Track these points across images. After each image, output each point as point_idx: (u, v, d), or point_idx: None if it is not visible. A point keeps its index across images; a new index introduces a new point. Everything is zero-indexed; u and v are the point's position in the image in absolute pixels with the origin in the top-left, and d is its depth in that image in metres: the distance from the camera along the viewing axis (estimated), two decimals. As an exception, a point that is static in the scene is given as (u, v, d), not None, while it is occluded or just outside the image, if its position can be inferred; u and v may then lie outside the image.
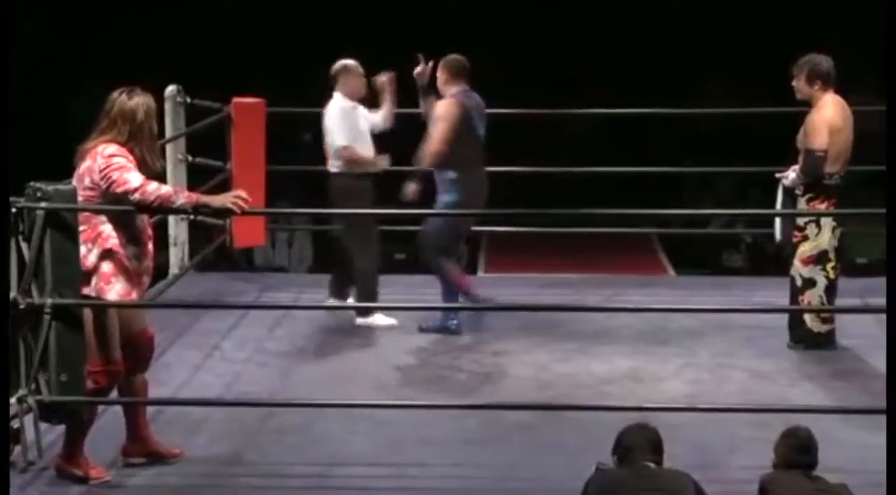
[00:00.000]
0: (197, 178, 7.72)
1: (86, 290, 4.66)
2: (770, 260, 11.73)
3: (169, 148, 7.48)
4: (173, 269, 7.75)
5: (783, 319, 6.65)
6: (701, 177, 11.99)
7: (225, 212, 4.90)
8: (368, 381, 5.98)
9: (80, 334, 4.64)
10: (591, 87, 12.58)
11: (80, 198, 4.65)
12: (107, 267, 4.65)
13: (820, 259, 6.29)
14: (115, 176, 4.58)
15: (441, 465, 4.97)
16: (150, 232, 4.80)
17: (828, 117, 6.22)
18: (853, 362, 6.22)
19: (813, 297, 6.31)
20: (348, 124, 6.81)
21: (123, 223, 4.67)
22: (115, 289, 4.66)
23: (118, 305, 4.69)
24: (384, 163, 6.91)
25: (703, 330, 6.68)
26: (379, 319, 6.85)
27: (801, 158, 6.31)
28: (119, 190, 4.59)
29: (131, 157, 4.65)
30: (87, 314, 4.67)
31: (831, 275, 6.31)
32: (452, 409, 5.45)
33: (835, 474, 4.15)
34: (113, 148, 4.64)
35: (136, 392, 4.89)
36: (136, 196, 4.58)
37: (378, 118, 6.96)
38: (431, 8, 13.46)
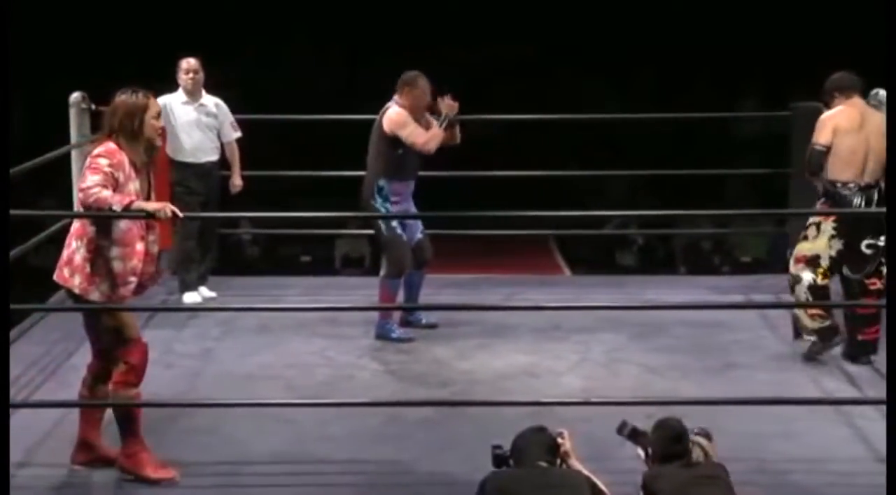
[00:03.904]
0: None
1: (68, 285, 4.75)
2: (660, 259, 12.11)
3: (74, 154, 7.53)
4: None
5: (673, 315, 6.91)
6: (594, 181, 12.23)
7: (153, 216, 4.77)
8: (275, 381, 6.08)
9: None
10: (491, 91, 12.80)
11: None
12: (90, 267, 4.72)
13: (811, 262, 6.24)
14: (85, 173, 4.68)
15: (344, 462, 5.07)
16: (141, 232, 4.77)
17: (833, 116, 6.17)
18: (739, 356, 6.41)
19: (800, 295, 6.27)
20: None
21: (104, 221, 4.71)
22: (99, 291, 4.74)
23: (26, 308, 4.77)
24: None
25: (596, 326, 6.84)
26: (188, 297, 7.42)
27: None
28: (78, 187, 4.68)
29: (119, 158, 4.70)
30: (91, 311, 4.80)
31: (819, 280, 6.23)
32: (356, 407, 5.59)
33: (723, 462, 4.26)
34: (102, 148, 4.72)
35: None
36: (80, 195, 4.66)
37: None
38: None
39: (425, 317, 6.91)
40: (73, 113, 7.55)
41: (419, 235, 6.82)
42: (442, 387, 6.01)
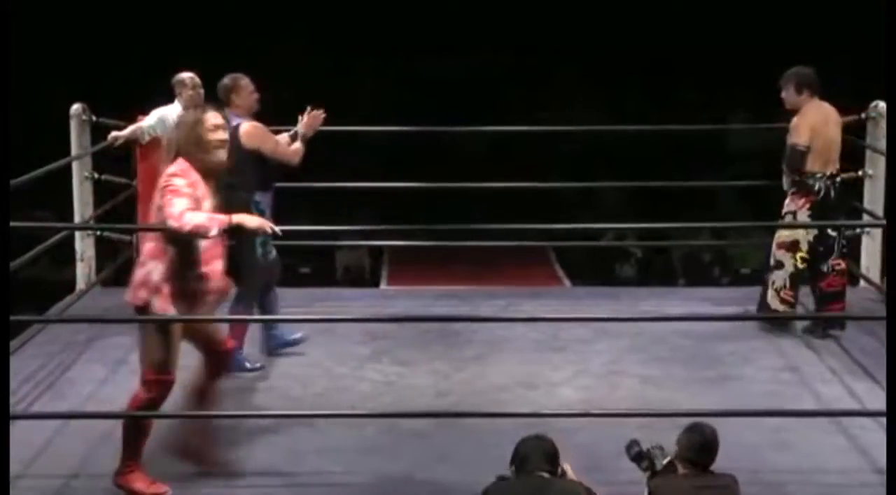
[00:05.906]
0: (103, 195, 7.81)
1: (144, 305, 4.70)
2: (659, 271, 12.13)
3: (75, 166, 7.55)
4: (80, 285, 7.79)
5: (670, 326, 6.91)
6: (585, 192, 12.23)
7: (255, 233, 4.85)
8: (270, 392, 6.08)
9: None
10: (485, 106, 12.80)
11: (153, 211, 4.73)
12: (167, 287, 4.69)
13: (791, 247, 6.78)
14: (168, 197, 4.62)
15: (339, 473, 5.07)
16: (218, 250, 4.76)
17: (809, 118, 6.74)
18: (736, 367, 6.42)
19: (778, 278, 6.82)
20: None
21: (186, 241, 4.68)
22: (177, 309, 4.71)
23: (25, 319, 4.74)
24: None
25: (594, 338, 6.84)
26: None
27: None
28: (165, 212, 4.63)
29: (193, 176, 4.67)
30: (149, 326, 4.74)
31: (799, 264, 6.79)
32: (352, 418, 5.59)
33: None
34: (175, 167, 4.69)
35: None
36: (173, 224, 4.58)
37: None
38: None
39: (289, 334, 6.67)
40: (73, 124, 7.54)
41: (274, 253, 6.54)
42: (439, 399, 6.00)
